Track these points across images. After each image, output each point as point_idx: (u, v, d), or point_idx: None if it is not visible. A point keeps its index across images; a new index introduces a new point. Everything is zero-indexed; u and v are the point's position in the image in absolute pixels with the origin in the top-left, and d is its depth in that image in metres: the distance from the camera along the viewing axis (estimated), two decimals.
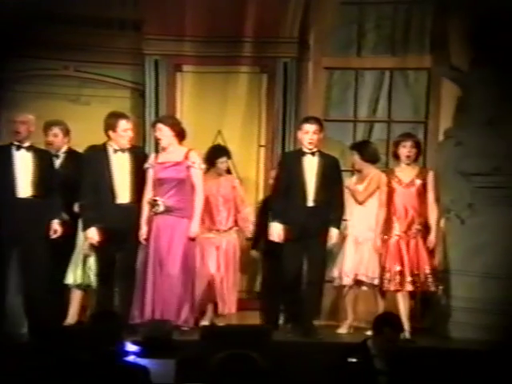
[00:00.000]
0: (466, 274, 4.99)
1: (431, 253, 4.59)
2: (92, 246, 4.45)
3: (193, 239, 4.46)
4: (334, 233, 4.55)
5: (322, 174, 4.54)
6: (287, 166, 4.61)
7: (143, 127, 5.29)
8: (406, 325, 4.49)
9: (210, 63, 5.46)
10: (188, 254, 4.44)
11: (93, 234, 4.39)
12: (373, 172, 4.82)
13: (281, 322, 4.91)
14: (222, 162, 4.83)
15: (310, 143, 4.56)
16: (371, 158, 4.88)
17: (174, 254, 4.40)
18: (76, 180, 4.52)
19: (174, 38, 5.46)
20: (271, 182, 5.04)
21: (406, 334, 4.45)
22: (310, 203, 4.52)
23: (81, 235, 4.59)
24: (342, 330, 4.74)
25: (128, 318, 4.38)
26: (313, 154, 4.56)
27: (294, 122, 5.47)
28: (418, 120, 5.49)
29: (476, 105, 5.14)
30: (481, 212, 5.07)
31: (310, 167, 4.55)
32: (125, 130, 4.44)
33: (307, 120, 4.66)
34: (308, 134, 4.55)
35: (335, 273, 4.78)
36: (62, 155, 4.73)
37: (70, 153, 4.76)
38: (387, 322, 3.56)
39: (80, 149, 4.78)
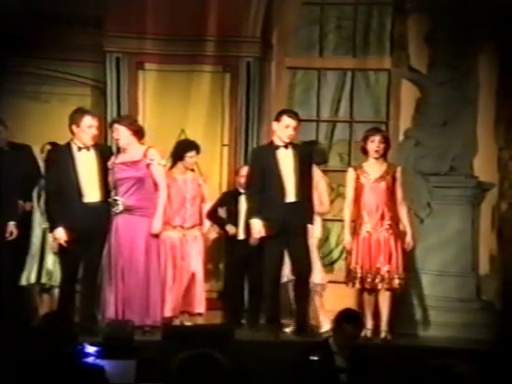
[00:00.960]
0: (423, 272, 5.10)
1: (403, 250, 4.54)
2: (59, 246, 4.37)
3: (155, 236, 4.43)
4: (309, 229, 4.48)
5: (298, 167, 4.45)
6: (260, 161, 4.49)
7: (104, 126, 5.23)
8: (370, 323, 4.50)
9: (173, 62, 5.42)
10: (151, 252, 4.41)
11: (60, 234, 4.31)
12: (315, 174, 4.69)
13: (243, 321, 4.91)
14: (190, 157, 4.78)
15: (288, 137, 4.45)
16: (317, 159, 4.80)
17: (137, 254, 4.37)
18: (25, 175, 4.44)
19: (136, 35, 5.39)
20: (241, 179, 4.93)
21: (368, 333, 4.48)
22: (289, 198, 4.43)
23: (36, 234, 4.49)
24: (289, 329, 4.67)
25: (89, 319, 4.33)
26: (286, 146, 4.47)
27: (257, 122, 5.48)
28: (379, 120, 5.56)
29: (433, 106, 5.25)
30: (438, 211, 5.18)
31: (286, 160, 4.45)
32: (89, 126, 4.39)
33: (287, 113, 4.52)
34: (288, 129, 4.43)
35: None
36: (6, 150, 4.63)
37: (13, 146, 4.68)
38: (347, 318, 3.58)
39: (39, 146, 4.70)
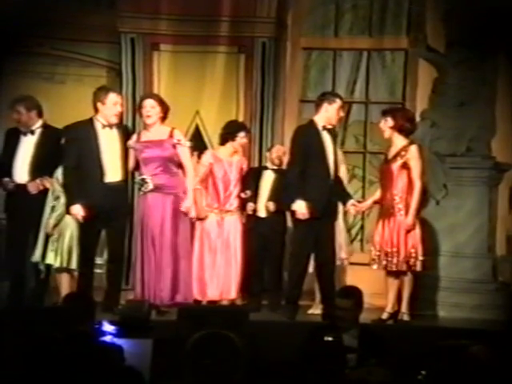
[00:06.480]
0: (438, 254, 5.08)
1: (411, 232, 4.43)
2: (78, 225, 4.38)
3: (185, 214, 4.43)
4: (351, 204, 4.48)
5: (335, 149, 4.49)
6: (305, 141, 4.42)
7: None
8: (389, 306, 4.44)
9: (188, 42, 5.41)
10: (180, 230, 4.42)
11: (78, 210, 4.32)
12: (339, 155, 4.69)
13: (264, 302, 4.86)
14: (242, 137, 4.76)
15: (339, 120, 4.53)
16: None
17: (166, 231, 4.39)
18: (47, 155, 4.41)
19: (151, 15, 5.39)
20: (272, 157, 4.92)
21: (384, 315, 4.45)
22: (331, 179, 4.44)
23: (47, 213, 4.49)
24: (314, 310, 4.71)
25: (117, 298, 4.38)
26: (323, 127, 4.45)
27: (271, 103, 5.46)
28: (395, 101, 5.52)
29: (451, 86, 5.19)
30: (454, 192, 5.15)
31: (328, 142, 4.46)
32: (114, 103, 4.40)
33: (338, 96, 4.55)
34: (340, 112, 4.46)
35: None
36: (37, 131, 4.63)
37: (46, 129, 4.64)
38: (341, 293, 3.61)
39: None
